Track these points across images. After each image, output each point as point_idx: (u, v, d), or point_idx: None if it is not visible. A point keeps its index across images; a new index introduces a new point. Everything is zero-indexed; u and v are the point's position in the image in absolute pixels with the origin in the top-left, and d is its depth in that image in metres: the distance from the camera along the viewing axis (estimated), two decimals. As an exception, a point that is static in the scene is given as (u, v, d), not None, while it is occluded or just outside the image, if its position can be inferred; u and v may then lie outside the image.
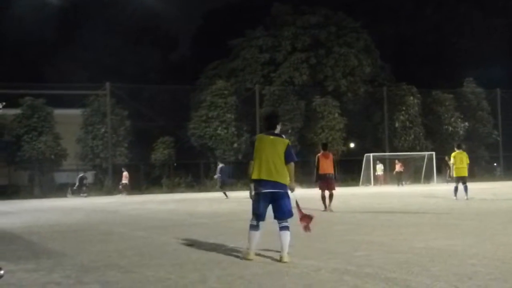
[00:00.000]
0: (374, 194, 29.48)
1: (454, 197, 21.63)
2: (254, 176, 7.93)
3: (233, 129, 47.14)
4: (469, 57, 59.28)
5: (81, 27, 64.14)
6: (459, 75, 55.75)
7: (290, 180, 7.97)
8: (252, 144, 8.31)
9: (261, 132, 8.25)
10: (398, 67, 57.01)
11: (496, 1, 65.37)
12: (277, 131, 8.19)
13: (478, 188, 33.01)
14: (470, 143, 53.00)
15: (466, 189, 21.75)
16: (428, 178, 47.17)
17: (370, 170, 46.11)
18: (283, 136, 8.21)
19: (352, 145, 53.07)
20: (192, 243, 9.87)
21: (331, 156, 17.70)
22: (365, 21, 55.73)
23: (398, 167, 43.64)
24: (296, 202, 8.24)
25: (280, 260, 7.66)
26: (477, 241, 9.13)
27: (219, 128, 46.40)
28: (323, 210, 17.02)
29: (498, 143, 54.97)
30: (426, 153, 48.28)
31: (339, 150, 47.85)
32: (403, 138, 51.08)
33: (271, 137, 8.03)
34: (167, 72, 61.89)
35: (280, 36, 53.95)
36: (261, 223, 8.01)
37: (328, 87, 52.22)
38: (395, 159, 45.37)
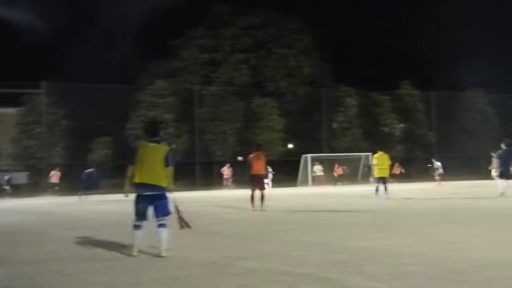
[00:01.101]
0: (311, 195, 29.66)
1: (375, 196, 22.44)
2: (136, 180, 8.57)
3: (172, 129, 46.82)
4: (406, 59, 60.31)
5: (18, 22, 62.65)
6: (396, 78, 56.65)
7: (169, 183, 8.75)
8: (135, 149, 8.82)
9: (145, 137, 8.94)
10: (338, 68, 57.61)
11: (433, 5, 66.74)
12: (158, 138, 8.89)
13: (413, 188, 33.66)
14: (406, 144, 54.05)
15: (386, 189, 22.60)
16: (365, 179, 47.80)
17: (307, 170, 46.41)
18: (163, 143, 8.95)
19: (291, 145, 53.38)
20: (126, 245, 9.70)
21: (263, 157, 17.90)
22: (306, 23, 56.15)
23: (338, 170, 44.25)
24: (176, 205, 9.26)
25: (158, 255, 8.21)
26: (411, 241, 9.22)
27: (158, 129, 45.99)
28: (252, 210, 17.25)
29: (432, 144, 56.08)
30: (363, 154, 48.87)
31: (278, 151, 48.12)
32: (341, 139, 51.64)
33: (152, 144, 8.72)
34: (106, 71, 60.99)
35: (220, 37, 53.93)
36: (144, 223, 8.67)
37: (267, 88, 52.45)
38: (334, 160, 45.83)
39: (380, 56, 63.46)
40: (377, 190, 22.93)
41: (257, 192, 17.59)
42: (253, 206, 17.46)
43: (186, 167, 49.29)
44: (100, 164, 45.64)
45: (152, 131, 8.99)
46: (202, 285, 6.25)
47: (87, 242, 10.54)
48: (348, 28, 63.80)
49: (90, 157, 45.33)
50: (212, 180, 48.35)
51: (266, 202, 17.63)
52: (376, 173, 23.35)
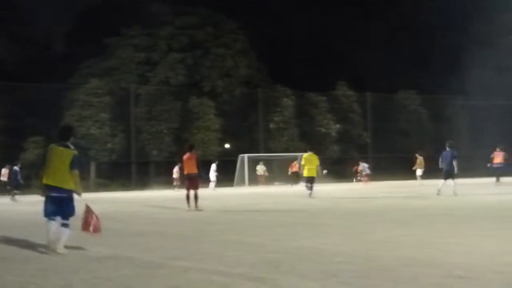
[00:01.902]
0: (248, 194, 29.75)
1: (309, 196, 23.02)
2: (45, 181, 9.03)
3: (107, 128, 46.23)
4: (342, 60, 60.95)
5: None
6: (332, 78, 57.22)
7: (76, 185, 9.05)
8: (45, 152, 9.44)
9: (53, 142, 9.43)
10: (275, 69, 57.76)
11: (373, 5, 67.55)
12: (69, 142, 9.28)
13: (348, 188, 34.11)
14: (342, 145, 54.72)
15: (311, 188, 23.48)
16: (301, 179, 48.13)
17: (244, 170, 46.47)
18: (72, 147, 9.25)
19: (227, 145, 53.38)
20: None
21: (195, 156, 17.96)
22: (244, 23, 56.14)
23: (295, 168, 44.81)
24: (87, 206, 9.27)
25: (54, 251, 8.63)
26: (345, 240, 9.36)
27: (93, 128, 45.32)
28: (187, 210, 17.29)
29: (367, 145, 56.93)
30: (299, 154, 49.15)
31: (214, 151, 48.08)
32: (278, 139, 51.91)
33: (61, 148, 9.10)
34: (39, 70, 59.73)
35: (156, 36, 53.49)
36: (53, 221, 8.96)
37: (204, 87, 52.31)
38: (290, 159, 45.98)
39: (317, 56, 63.91)
40: (307, 188, 23.68)
41: (192, 192, 17.60)
42: (188, 206, 17.47)
43: (121, 167, 48.76)
44: (33, 164, 44.72)
45: (62, 135, 9.41)
46: (134, 286, 6.20)
47: (16, 243, 10.32)
48: (286, 29, 63.96)
49: (22, 156, 44.27)
50: (148, 180, 47.93)
51: (201, 201, 17.66)
52: (304, 173, 24.13)
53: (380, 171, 49.48)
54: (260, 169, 46.47)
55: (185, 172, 17.91)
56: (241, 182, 45.68)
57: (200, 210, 17.12)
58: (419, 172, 37.66)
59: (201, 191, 18.35)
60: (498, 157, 32.09)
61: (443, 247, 8.17)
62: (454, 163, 22.47)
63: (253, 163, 47.34)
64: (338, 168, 51.80)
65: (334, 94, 56.58)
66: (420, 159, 37.99)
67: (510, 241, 8.58)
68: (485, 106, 58.32)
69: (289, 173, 45.05)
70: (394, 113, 57.54)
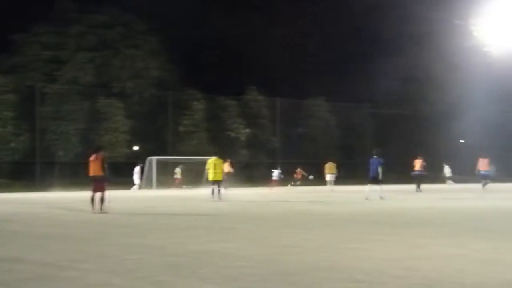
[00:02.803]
0: (155, 197, 29.50)
1: (211, 199, 23.64)
2: None
3: (11, 127, 44.82)
4: (253, 66, 61.37)
5: None
6: (243, 83, 57.54)
7: None
8: None
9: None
10: (186, 72, 57.63)
11: (285, 12, 68.29)
12: None
13: (257, 192, 34.32)
14: (251, 149, 55.05)
15: (219, 192, 24.13)
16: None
17: (152, 173, 46.03)
18: None
19: (136, 147, 52.77)
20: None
21: (101, 158, 17.62)
22: (155, 25, 55.70)
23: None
24: None
25: None
26: (248, 244, 9.35)
27: (-5, 126, 43.95)
28: (92, 212, 16.99)
29: (276, 149, 57.48)
30: (208, 157, 48.99)
31: (122, 152, 47.44)
32: (187, 142, 51.72)
33: None
34: None
35: (65, 34, 52.31)
36: None
37: (113, 88, 51.55)
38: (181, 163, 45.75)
39: (228, 61, 64.16)
40: (212, 192, 24.15)
41: (97, 194, 17.28)
42: (93, 208, 17.14)
43: (25, 167, 47.41)
44: None
45: None
46: (32, 289, 6.00)
47: None
48: (198, 33, 63.87)
49: None
50: (53, 181, 46.79)
51: (107, 204, 17.38)
52: (210, 176, 24.77)
53: (289, 177, 50.06)
54: (178, 172, 46.07)
55: (90, 174, 17.61)
56: (149, 185, 45.18)
57: (105, 212, 16.82)
58: (329, 177, 38.29)
59: (124, 192, 18.08)
60: (418, 164, 33.37)
61: (346, 252, 8.28)
62: (380, 170, 24.04)
63: (167, 166, 46.95)
64: (247, 172, 52.04)
65: (244, 99, 56.92)
66: (331, 165, 38.62)
67: (411, 246, 8.79)
68: (391, 114, 60.03)
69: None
70: (303, 119, 58.38)
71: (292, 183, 46.45)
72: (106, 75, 52.06)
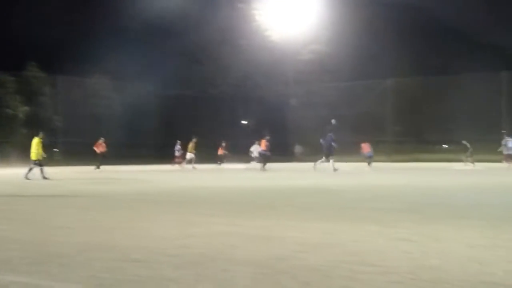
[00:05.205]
0: None
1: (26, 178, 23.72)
2: None
3: None
4: (33, 41, 58.66)
5: None
6: (22, 59, 54.84)
7: None
8: None
9: None
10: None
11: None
12: None
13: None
14: (31, 128, 52.73)
15: (30, 170, 24.48)
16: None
17: None
18: None
19: None
20: None
21: None
22: None
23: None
24: None
25: None
26: (24, 226, 9.07)
27: None
28: None
29: (59, 128, 55.51)
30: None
31: None
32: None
33: None
34: None
35: None
36: None
37: None
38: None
39: (5, 35, 60.72)
40: (29, 171, 24.47)
41: None
42: None
43: None
44: None
45: None
46: None
47: None
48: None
49: None
50: None
51: None
52: (32, 155, 25.33)
53: (70, 156, 48.74)
54: None
55: None
56: None
57: None
58: (189, 156, 39.95)
59: None
60: (263, 144, 36.55)
61: (122, 232, 8.28)
62: (332, 144, 30.06)
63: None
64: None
65: (24, 75, 54.31)
66: (193, 142, 40.26)
67: (188, 224, 8.97)
68: (177, 95, 60.60)
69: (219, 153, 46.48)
70: (86, 98, 57.02)
71: (218, 162, 45.83)
72: None
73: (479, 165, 37.81)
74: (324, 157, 30.55)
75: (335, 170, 28.39)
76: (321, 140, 31.52)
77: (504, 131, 40.95)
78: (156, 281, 5.16)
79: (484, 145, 42.74)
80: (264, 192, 16.74)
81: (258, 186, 19.46)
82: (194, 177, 26.37)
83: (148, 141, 58.07)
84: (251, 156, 45.03)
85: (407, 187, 18.80)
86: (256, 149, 49.38)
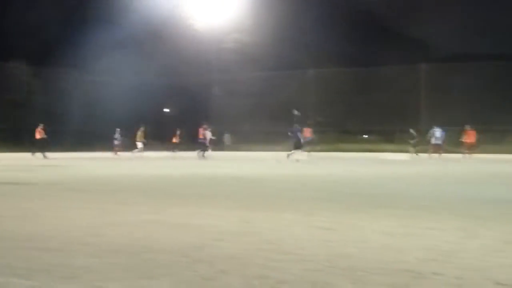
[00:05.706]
0: None
1: None
2: None
3: None
4: None
5: None
6: None
7: None
8: None
9: None
10: None
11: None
12: None
13: None
14: None
15: None
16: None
17: None
18: None
19: None
20: None
21: None
22: None
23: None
24: None
25: None
26: None
27: None
28: None
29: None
30: None
31: None
32: None
33: None
34: None
35: None
36: None
37: None
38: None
39: None
40: None
41: None
42: None
43: None
44: None
45: None
46: None
47: None
48: None
49: None
50: None
51: None
52: None
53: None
54: None
55: None
56: None
57: None
58: (139, 145, 39.47)
59: None
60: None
61: (45, 220, 8.07)
62: (299, 135, 31.07)
63: None
64: None
65: None
66: (141, 131, 39.87)
67: (106, 213, 8.82)
68: (105, 81, 59.69)
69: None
70: (4, 83, 55.28)
71: (173, 150, 44.74)
72: None
73: (415, 156, 38.43)
74: (293, 149, 30.89)
75: (296, 160, 29.30)
76: (289, 133, 32.38)
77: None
78: (68, 269, 5.03)
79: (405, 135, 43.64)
80: (192, 180, 16.70)
81: (187, 174, 19.46)
82: (130, 165, 26.01)
83: (72, 127, 56.84)
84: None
85: (330, 176, 19.07)
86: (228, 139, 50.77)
